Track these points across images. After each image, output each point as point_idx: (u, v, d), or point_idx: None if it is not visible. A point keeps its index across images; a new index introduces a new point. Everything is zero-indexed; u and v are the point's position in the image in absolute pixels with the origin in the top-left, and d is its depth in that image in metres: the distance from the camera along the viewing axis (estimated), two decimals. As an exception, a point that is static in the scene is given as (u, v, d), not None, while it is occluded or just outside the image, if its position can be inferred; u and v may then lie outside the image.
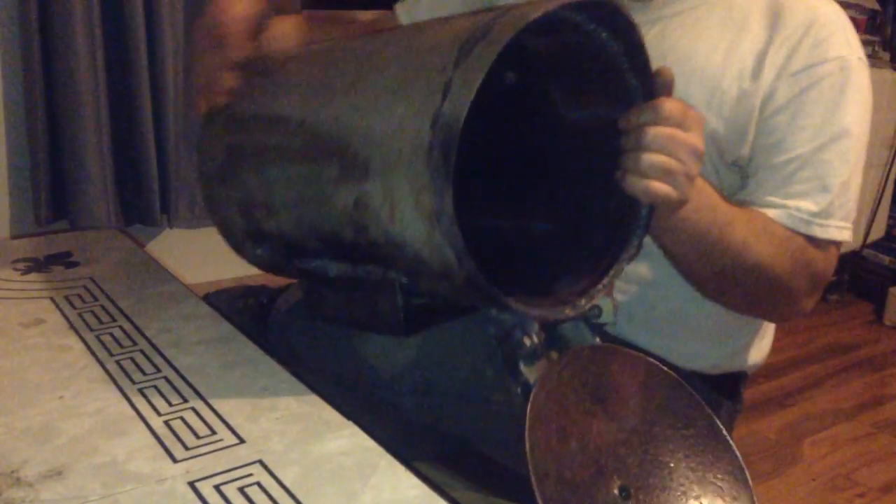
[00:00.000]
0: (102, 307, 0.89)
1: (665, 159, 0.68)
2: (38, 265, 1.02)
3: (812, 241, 0.85)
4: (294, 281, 0.95)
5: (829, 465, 2.00)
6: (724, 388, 0.98)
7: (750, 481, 0.69)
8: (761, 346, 1.00)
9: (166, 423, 0.67)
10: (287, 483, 0.59)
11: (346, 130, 0.68)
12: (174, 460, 0.62)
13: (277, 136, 0.76)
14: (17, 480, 0.59)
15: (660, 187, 0.68)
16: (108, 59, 1.64)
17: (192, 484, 0.59)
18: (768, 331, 1.01)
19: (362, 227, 0.67)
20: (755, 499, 0.68)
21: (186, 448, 0.64)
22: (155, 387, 0.73)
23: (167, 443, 0.64)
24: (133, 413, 0.68)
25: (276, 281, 0.96)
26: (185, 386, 0.73)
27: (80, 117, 1.59)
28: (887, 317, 2.83)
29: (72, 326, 0.84)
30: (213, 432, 0.66)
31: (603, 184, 0.72)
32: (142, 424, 0.67)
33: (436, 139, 0.59)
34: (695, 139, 0.69)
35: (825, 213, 0.85)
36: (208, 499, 0.57)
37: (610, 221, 0.73)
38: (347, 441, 0.65)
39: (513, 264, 0.75)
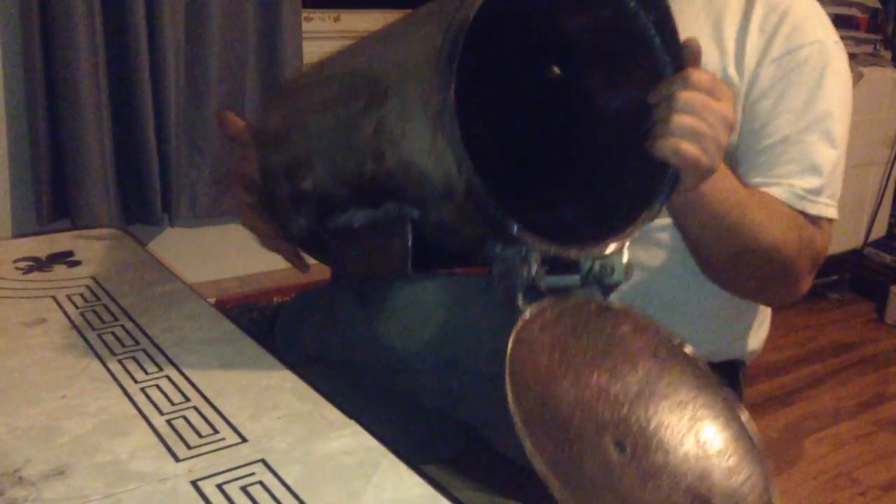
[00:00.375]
0: (104, 306, 0.89)
1: (697, 121, 0.68)
2: (39, 264, 1.02)
3: (809, 218, 0.86)
4: (297, 290, 0.96)
5: (831, 463, 2.00)
6: (723, 376, 0.98)
7: (761, 451, 0.67)
8: (759, 332, 1.02)
9: (169, 422, 0.67)
10: (289, 482, 0.59)
11: (374, 63, 0.74)
12: (176, 459, 0.62)
13: (319, 93, 0.83)
14: (20, 479, 0.59)
15: (690, 148, 0.68)
16: (110, 59, 1.64)
17: (194, 483, 0.59)
18: (766, 318, 1.03)
19: (380, 154, 0.69)
20: (769, 471, 0.67)
21: (189, 447, 0.64)
22: (157, 386, 0.73)
23: (169, 442, 0.64)
24: (135, 412, 0.68)
25: (276, 281, 0.96)
26: (188, 385, 0.73)
27: (81, 116, 1.59)
28: (888, 315, 2.83)
29: (74, 326, 0.84)
30: (216, 431, 0.66)
31: (630, 167, 0.73)
32: (144, 423, 0.67)
33: (446, 40, 0.61)
34: (726, 108, 0.70)
35: (815, 191, 0.86)
36: (211, 498, 0.57)
37: (633, 200, 0.73)
38: (350, 440, 0.65)
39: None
